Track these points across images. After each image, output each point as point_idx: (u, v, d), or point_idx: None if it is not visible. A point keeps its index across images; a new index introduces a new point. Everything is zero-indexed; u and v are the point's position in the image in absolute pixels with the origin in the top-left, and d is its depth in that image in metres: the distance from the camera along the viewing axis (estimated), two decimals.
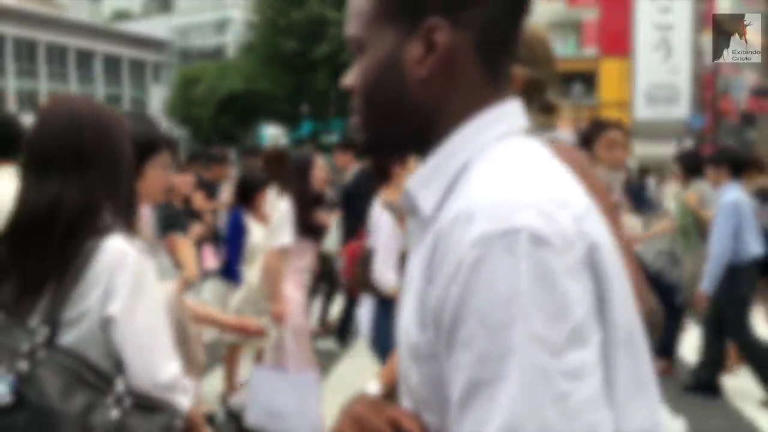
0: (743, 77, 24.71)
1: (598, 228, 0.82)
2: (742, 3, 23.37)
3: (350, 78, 0.95)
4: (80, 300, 1.47)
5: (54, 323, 1.45)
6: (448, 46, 0.87)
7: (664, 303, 3.05)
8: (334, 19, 27.88)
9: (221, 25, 55.31)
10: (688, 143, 22.22)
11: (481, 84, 0.90)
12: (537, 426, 0.73)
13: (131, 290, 1.49)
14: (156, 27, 55.76)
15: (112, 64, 50.02)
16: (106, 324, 1.47)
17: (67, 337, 1.46)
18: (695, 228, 5.83)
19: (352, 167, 6.62)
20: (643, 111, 27.49)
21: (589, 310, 0.77)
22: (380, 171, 3.84)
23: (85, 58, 47.81)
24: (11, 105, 39.92)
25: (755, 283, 5.45)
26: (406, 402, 0.93)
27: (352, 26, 0.93)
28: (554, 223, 0.77)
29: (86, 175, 1.54)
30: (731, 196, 5.22)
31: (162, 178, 2.19)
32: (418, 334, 0.84)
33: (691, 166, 5.97)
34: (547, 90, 1.76)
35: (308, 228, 4.33)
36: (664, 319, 2.95)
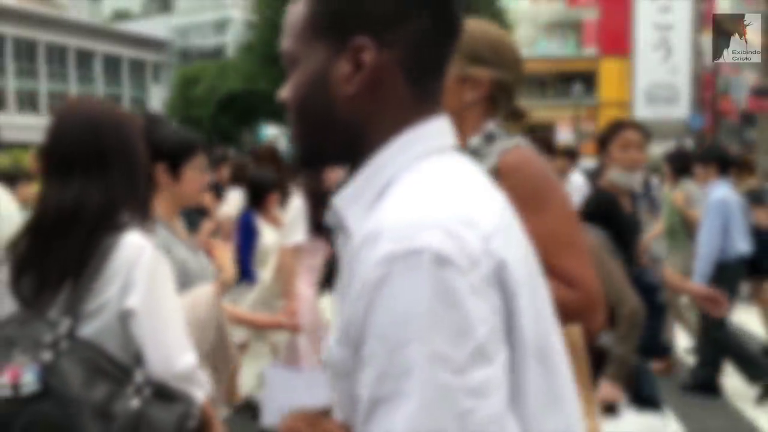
0: (743, 77, 24.72)
1: (509, 245, 0.83)
2: (742, 3, 23.39)
3: (285, 92, 0.97)
4: (99, 293, 1.52)
5: (75, 315, 1.50)
6: (375, 65, 0.89)
7: (646, 302, 3.06)
8: None
9: (221, 25, 55.29)
10: (688, 143, 22.23)
11: (408, 102, 0.92)
12: None
13: (149, 284, 1.54)
14: (156, 27, 55.73)
15: (112, 64, 49.97)
16: (125, 316, 1.52)
17: (87, 329, 1.51)
18: (683, 227, 5.85)
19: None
20: (642, 111, 27.51)
21: (495, 328, 0.78)
22: None
23: (84, 58, 47.78)
24: (11, 105, 39.92)
25: (740, 281, 5.47)
26: (339, 415, 0.95)
27: (287, 41, 0.96)
28: (460, 242, 0.78)
29: (106, 175, 1.60)
30: (719, 194, 5.25)
31: (199, 180, 2.25)
32: (337, 351, 0.86)
33: (680, 166, 6.03)
34: (514, 94, 1.74)
35: (320, 226, 4.34)
36: (647, 318, 2.96)
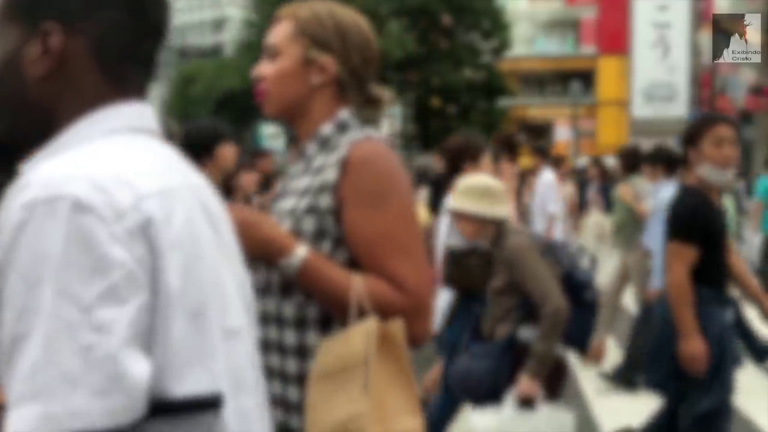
0: (741, 76, 24.76)
1: (169, 211, 0.89)
2: (740, 1, 23.42)
3: None
4: None
5: None
6: (61, 49, 0.94)
7: (575, 300, 3.03)
8: None
9: (219, 24, 55.24)
10: None
11: (98, 87, 0.97)
12: (57, 375, 0.79)
13: None
14: None
15: None
16: None
17: None
18: (632, 221, 5.93)
19: None
20: (641, 109, 27.55)
21: (133, 274, 0.84)
22: (452, 168, 3.74)
23: None
24: None
25: None
26: None
27: None
28: (106, 195, 0.84)
29: None
30: (668, 194, 5.31)
31: None
32: None
33: (630, 163, 6.16)
34: (366, 82, 1.64)
35: None
36: (575, 315, 2.96)
